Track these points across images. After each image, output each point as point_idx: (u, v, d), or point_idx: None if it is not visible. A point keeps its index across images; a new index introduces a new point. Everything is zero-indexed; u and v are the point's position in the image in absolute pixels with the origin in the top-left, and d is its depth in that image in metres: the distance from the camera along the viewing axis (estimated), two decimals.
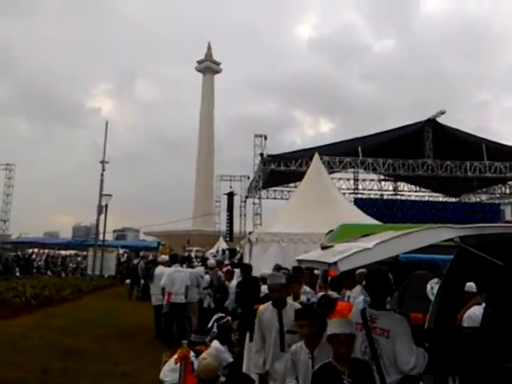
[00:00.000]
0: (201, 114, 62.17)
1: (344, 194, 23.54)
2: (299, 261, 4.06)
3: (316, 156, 14.77)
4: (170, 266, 10.23)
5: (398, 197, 32.23)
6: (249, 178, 33.97)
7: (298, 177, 21.55)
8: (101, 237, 25.97)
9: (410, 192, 33.63)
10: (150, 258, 23.36)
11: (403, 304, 5.38)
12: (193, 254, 29.31)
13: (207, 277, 10.39)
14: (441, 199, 33.40)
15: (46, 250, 36.47)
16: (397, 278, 5.27)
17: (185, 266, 10.85)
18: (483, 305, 4.62)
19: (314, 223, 10.45)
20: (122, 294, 18.94)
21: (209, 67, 63.08)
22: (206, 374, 3.60)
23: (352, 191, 30.72)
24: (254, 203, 28.26)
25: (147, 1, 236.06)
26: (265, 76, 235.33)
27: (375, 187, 32.15)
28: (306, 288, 6.59)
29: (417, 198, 32.49)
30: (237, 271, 10.26)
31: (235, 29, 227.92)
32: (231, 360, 5.76)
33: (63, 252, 38.02)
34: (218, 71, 65.00)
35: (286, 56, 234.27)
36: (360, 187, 31.25)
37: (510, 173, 26.04)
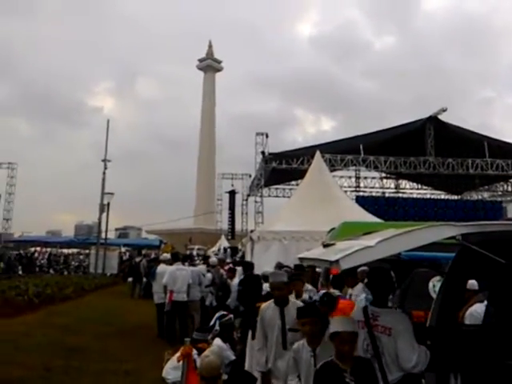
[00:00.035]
0: (202, 112, 62.19)
1: (346, 191, 23.51)
2: (301, 259, 4.05)
3: (317, 154, 14.77)
4: (171, 264, 10.25)
5: (400, 194, 32.19)
6: (250, 176, 33.98)
7: (300, 175, 21.53)
8: (103, 235, 26.02)
9: (411, 190, 33.62)
10: (152, 256, 23.39)
11: (405, 302, 5.38)
12: (194, 252, 29.41)
13: (209, 275, 10.41)
14: (443, 197, 33.34)
15: (49, 249, 36.58)
16: (399, 276, 5.27)
17: (187, 264, 10.88)
18: (485, 302, 4.61)
19: (316, 221, 10.45)
20: (124, 292, 18.96)
21: (210, 65, 63.06)
22: (209, 371, 3.60)
23: (354, 189, 30.72)
24: (256, 201, 28.24)
25: (148, 0, 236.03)
26: (266, 74, 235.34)
27: (377, 185, 32.17)
28: (308, 286, 6.60)
29: (418, 196, 32.50)
30: (239, 269, 10.27)
31: (236, 27, 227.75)
32: (233, 358, 5.78)
33: (65, 250, 38.13)
34: (219, 69, 64.97)
35: (287, 54, 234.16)
36: (362, 185, 31.26)
37: None
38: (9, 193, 36.43)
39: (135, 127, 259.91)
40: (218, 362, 3.73)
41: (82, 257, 35.34)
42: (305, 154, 24.18)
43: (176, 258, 10.56)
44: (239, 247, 19.99)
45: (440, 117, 26.52)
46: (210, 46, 64.04)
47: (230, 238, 34.27)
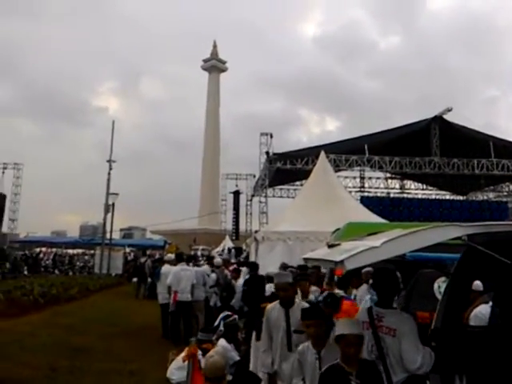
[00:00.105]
0: (207, 112, 62.24)
1: (350, 192, 23.48)
2: (306, 259, 4.05)
3: (322, 154, 14.76)
4: (175, 264, 10.26)
5: (405, 195, 32.13)
6: (255, 176, 34.00)
7: (304, 175, 21.54)
8: (108, 235, 26.08)
9: (416, 190, 33.53)
10: (157, 256, 23.41)
11: (410, 303, 5.36)
12: (199, 253, 29.42)
13: (213, 275, 10.42)
14: (448, 197, 33.23)
15: (54, 249, 36.68)
16: (403, 277, 5.25)
17: (191, 264, 10.89)
18: (490, 303, 4.59)
19: (321, 221, 10.44)
20: (128, 292, 19.00)
21: (214, 66, 63.12)
22: (213, 372, 3.61)
23: (358, 189, 30.66)
24: (260, 202, 28.26)
25: (152, 0, 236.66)
26: (270, 74, 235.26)
27: (382, 185, 32.08)
28: (312, 287, 6.59)
29: (424, 196, 32.41)
30: (244, 270, 10.28)
31: (241, 27, 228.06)
32: (238, 358, 5.77)
33: (70, 251, 38.23)
34: (223, 70, 65.02)
35: (291, 54, 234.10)
36: (366, 185, 31.19)
37: None
38: (14, 193, 36.59)
39: (140, 127, 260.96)
40: (223, 362, 3.73)
41: (86, 257, 35.43)
42: (309, 155, 24.18)
43: (180, 258, 10.58)
44: (243, 248, 19.99)
45: (445, 116, 26.45)
46: (215, 47, 64.11)
47: (234, 238, 34.29)
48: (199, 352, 4.81)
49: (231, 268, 11.22)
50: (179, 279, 9.58)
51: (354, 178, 30.99)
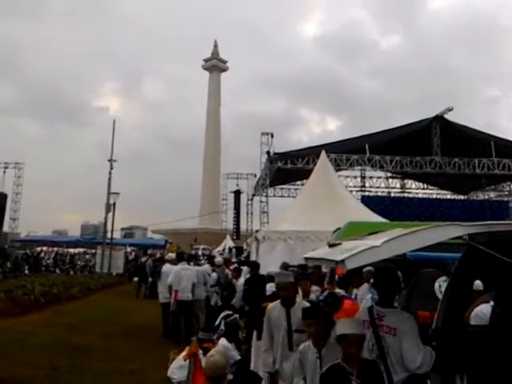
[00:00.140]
0: (207, 112, 62.26)
1: (351, 191, 23.47)
2: (307, 258, 4.05)
3: (323, 154, 14.75)
4: (176, 264, 10.27)
5: (406, 194, 32.11)
6: (255, 176, 34.02)
7: (305, 175, 21.53)
8: (109, 235, 26.12)
9: (417, 189, 33.52)
10: (158, 255, 23.44)
11: (411, 302, 5.36)
12: (200, 252, 29.46)
13: (214, 274, 10.42)
14: (449, 197, 33.21)
15: (55, 248, 36.76)
16: (404, 277, 5.25)
17: (192, 263, 10.89)
18: (491, 303, 4.58)
19: (321, 221, 10.43)
20: (129, 291, 19.01)
21: (215, 65, 63.12)
22: (214, 371, 3.61)
23: (359, 189, 30.66)
24: (261, 201, 28.28)
25: (153, 0, 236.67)
26: (271, 74, 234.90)
27: (382, 185, 32.08)
28: (313, 286, 6.59)
29: (424, 196, 32.40)
30: (245, 269, 10.28)
31: (241, 26, 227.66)
32: (239, 358, 5.77)
33: (72, 250, 38.31)
34: (224, 69, 65.01)
35: (292, 53, 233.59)
36: (367, 185, 31.19)
37: None
38: (16, 193, 36.63)
39: (141, 127, 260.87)
40: (223, 361, 3.73)
41: (87, 256, 35.49)
42: (310, 154, 24.17)
43: (181, 257, 10.59)
44: (244, 247, 20.00)
45: (446, 116, 26.42)
46: (216, 46, 64.09)
47: (235, 237, 34.31)
48: (200, 351, 4.82)
49: (232, 267, 11.22)
50: (180, 278, 9.58)
51: (355, 177, 31.00)
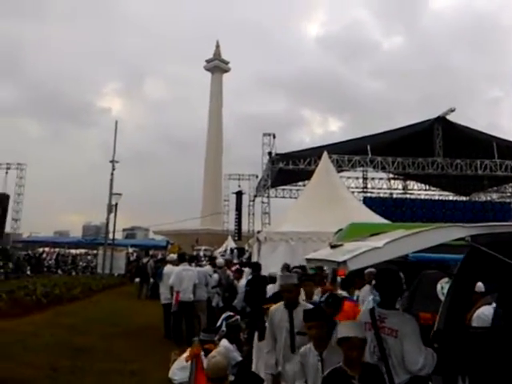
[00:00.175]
0: (209, 113, 62.29)
1: (353, 192, 23.43)
2: (308, 260, 4.03)
3: (325, 154, 14.71)
4: (177, 265, 10.27)
5: (408, 195, 32.06)
6: (257, 176, 34.01)
7: (307, 175, 21.48)
8: (110, 236, 26.16)
9: (419, 191, 33.44)
10: (159, 256, 23.46)
11: (413, 304, 5.34)
12: (201, 253, 29.45)
13: (216, 276, 10.42)
14: (451, 198, 33.15)
15: (57, 249, 36.83)
16: (406, 278, 5.24)
17: (193, 264, 10.89)
18: (493, 305, 4.57)
19: (323, 222, 10.41)
20: (131, 292, 19.03)
21: (217, 66, 63.16)
22: (215, 372, 3.61)
23: (361, 190, 30.61)
24: (263, 202, 28.26)
25: (156, 1, 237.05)
26: (273, 74, 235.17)
27: (384, 186, 32.02)
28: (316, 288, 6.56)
29: (426, 197, 32.33)
30: (246, 270, 10.28)
31: (243, 27, 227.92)
32: (240, 359, 5.76)
33: (73, 251, 38.37)
34: (226, 70, 65.06)
35: (294, 54, 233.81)
36: (369, 186, 31.15)
37: None
38: (18, 193, 36.66)
39: (143, 128, 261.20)
40: (225, 362, 3.73)
41: (89, 257, 35.54)
42: (312, 155, 24.14)
43: (182, 258, 10.58)
44: (246, 248, 19.97)
45: (448, 117, 26.39)
46: (218, 47, 64.13)
47: (236, 238, 34.29)
48: (202, 352, 4.82)
49: (234, 268, 11.22)
50: (181, 279, 9.58)
51: (357, 178, 30.97)
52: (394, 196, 31.49)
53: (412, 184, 33.36)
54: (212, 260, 13.49)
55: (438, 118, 26.49)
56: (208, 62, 64.18)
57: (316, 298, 5.91)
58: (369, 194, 29.95)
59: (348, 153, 25.56)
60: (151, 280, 17.00)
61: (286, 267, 8.04)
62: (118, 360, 7.76)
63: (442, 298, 4.31)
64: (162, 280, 10.72)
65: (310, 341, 3.58)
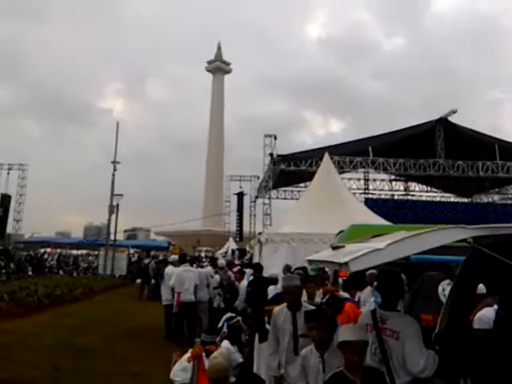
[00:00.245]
0: (211, 114, 62.43)
1: (354, 194, 23.38)
2: (310, 261, 4.03)
3: (326, 156, 14.71)
4: (178, 266, 10.27)
5: (409, 197, 32.01)
6: (258, 178, 34.03)
7: (308, 177, 21.49)
8: (112, 236, 26.22)
9: (421, 192, 33.40)
10: (161, 257, 23.48)
11: (414, 305, 5.34)
12: (203, 254, 29.49)
13: (217, 277, 10.42)
14: (452, 199, 33.12)
15: (58, 250, 36.80)
16: (408, 279, 5.23)
17: (195, 265, 10.90)
18: (494, 307, 4.56)
19: (325, 223, 10.40)
20: (132, 293, 19.04)
21: (219, 67, 63.33)
22: (217, 373, 3.61)
23: (362, 191, 30.57)
24: (264, 203, 28.30)
25: (157, 1, 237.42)
26: (275, 75, 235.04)
27: (386, 187, 31.98)
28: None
29: (428, 199, 32.26)
30: (248, 271, 10.27)
31: (245, 28, 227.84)
32: (241, 360, 5.76)
33: (75, 251, 38.33)
34: (227, 71, 65.23)
35: (295, 55, 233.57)
36: (370, 187, 31.11)
37: None
38: (19, 194, 36.67)
39: (144, 129, 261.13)
40: (226, 364, 3.74)
41: (91, 258, 35.54)
42: (313, 156, 24.18)
43: (183, 259, 10.59)
44: (247, 249, 20.01)
45: (450, 118, 26.38)
46: (219, 48, 64.35)
47: (238, 239, 34.34)
48: (203, 353, 4.81)
49: (235, 269, 11.22)
50: (182, 280, 9.59)
51: (358, 179, 30.92)
52: (396, 197, 31.45)
53: (413, 185, 33.33)
54: (213, 261, 13.50)
55: (440, 119, 26.48)
56: (209, 63, 64.37)
57: (318, 299, 5.90)
58: (370, 196, 29.91)
59: (349, 154, 25.57)
60: (152, 281, 17.01)
61: (288, 268, 8.04)
62: (120, 361, 7.76)
63: (444, 299, 4.30)
64: (163, 281, 10.72)
65: (311, 342, 3.57)
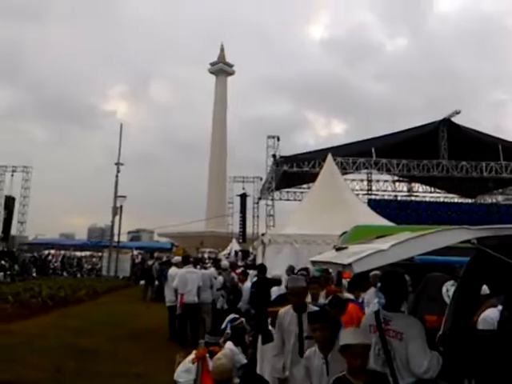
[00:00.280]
0: (214, 115, 62.51)
1: (357, 195, 23.41)
2: (313, 262, 4.02)
3: (329, 157, 14.71)
4: (182, 267, 10.28)
5: (413, 198, 31.93)
6: (261, 179, 34.02)
7: (311, 178, 21.48)
8: (116, 238, 26.26)
9: (424, 193, 33.30)
10: (164, 259, 23.51)
11: (418, 306, 5.32)
12: (206, 255, 29.51)
13: (220, 278, 10.42)
14: (456, 200, 33.01)
15: (62, 252, 36.92)
16: (412, 280, 5.22)
17: (198, 267, 10.90)
18: (499, 307, 4.54)
19: (328, 224, 10.40)
20: (136, 294, 19.07)
21: (222, 69, 63.42)
22: (220, 374, 3.61)
23: (366, 192, 30.53)
24: (267, 204, 28.30)
25: (160, 3, 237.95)
26: (278, 77, 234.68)
27: (389, 188, 31.93)
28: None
29: (431, 199, 32.17)
30: (251, 272, 10.27)
31: (248, 30, 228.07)
32: (245, 361, 5.75)
33: (79, 253, 38.47)
34: (230, 73, 65.29)
35: (298, 56, 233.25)
36: (374, 188, 31.05)
37: None
38: (23, 196, 36.80)
39: (148, 131, 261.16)
40: (230, 365, 3.73)
41: (94, 259, 35.66)
42: (316, 157, 24.16)
43: (186, 261, 10.60)
44: (250, 250, 20.01)
45: (453, 119, 26.33)
46: (222, 50, 64.44)
47: (241, 241, 34.34)
48: (207, 354, 4.81)
49: (239, 271, 11.22)
50: (185, 282, 9.60)
51: (362, 180, 30.87)
52: (399, 198, 31.36)
53: (417, 186, 33.25)
54: (216, 262, 13.51)
55: (444, 120, 26.43)
56: (212, 65, 64.47)
57: (321, 300, 5.90)
58: (373, 197, 29.85)
59: (352, 155, 25.54)
60: (156, 282, 17.04)
61: (291, 269, 8.04)
62: (123, 362, 7.77)
63: (448, 300, 4.29)
64: (166, 282, 10.74)
65: (315, 343, 3.56)
